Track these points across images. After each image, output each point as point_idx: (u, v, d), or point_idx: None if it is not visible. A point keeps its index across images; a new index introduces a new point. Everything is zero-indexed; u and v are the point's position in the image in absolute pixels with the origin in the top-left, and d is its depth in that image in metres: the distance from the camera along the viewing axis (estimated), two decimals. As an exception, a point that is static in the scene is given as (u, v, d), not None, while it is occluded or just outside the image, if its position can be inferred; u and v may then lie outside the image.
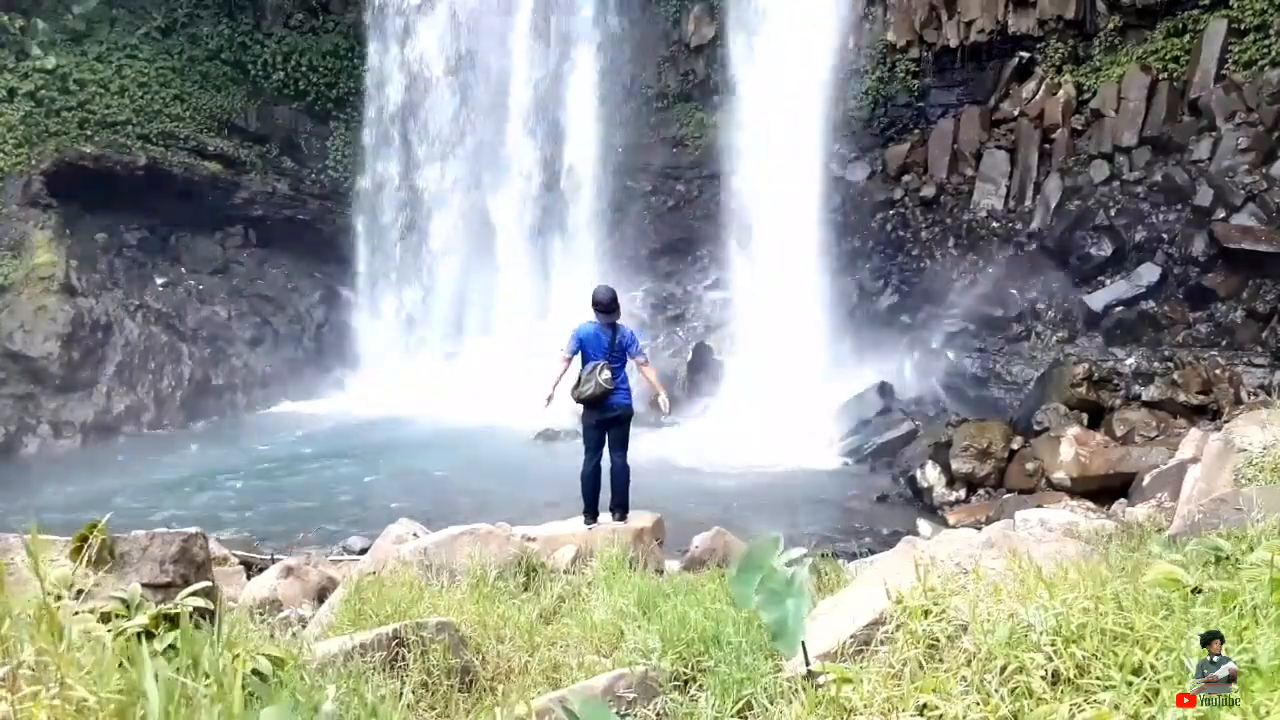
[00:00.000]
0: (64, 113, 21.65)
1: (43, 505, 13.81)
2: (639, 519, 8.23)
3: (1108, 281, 17.73)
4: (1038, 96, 20.57)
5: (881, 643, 3.14)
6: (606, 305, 8.15)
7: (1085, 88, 19.89)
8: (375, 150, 26.12)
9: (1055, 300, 18.50)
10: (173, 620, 3.29)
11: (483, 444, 18.39)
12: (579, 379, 8.04)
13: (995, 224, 20.14)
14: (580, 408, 8.23)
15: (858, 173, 22.56)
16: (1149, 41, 19.38)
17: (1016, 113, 20.75)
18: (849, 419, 17.99)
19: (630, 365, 8.32)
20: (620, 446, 8.29)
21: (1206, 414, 14.28)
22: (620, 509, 8.30)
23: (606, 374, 7.97)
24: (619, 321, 8.22)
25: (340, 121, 26.34)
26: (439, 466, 16.83)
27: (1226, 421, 10.92)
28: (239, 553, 8.44)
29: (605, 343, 8.08)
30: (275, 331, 24.43)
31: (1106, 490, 12.36)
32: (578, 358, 8.16)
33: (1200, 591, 3.01)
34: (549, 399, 8.23)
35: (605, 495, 8.33)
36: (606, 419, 8.18)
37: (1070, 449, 13.43)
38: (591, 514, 8.24)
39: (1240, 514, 4.41)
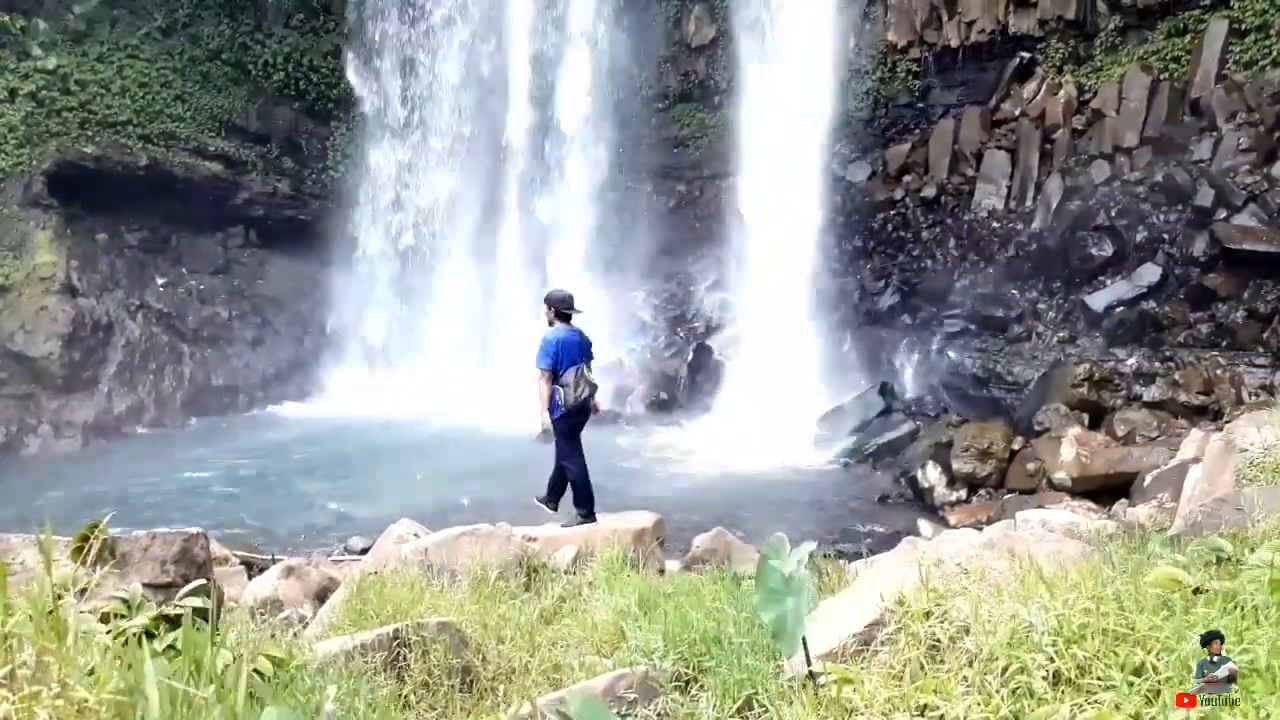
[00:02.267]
0: (65, 113, 21.65)
1: (43, 505, 13.81)
2: (639, 519, 8.22)
3: (1108, 282, 17.72)
4: (1038, 97, 20.56)
5: (883, 643, 3.14)
6: (572, 308, 8.21)
7: (1086, 88, 19.88)
8: (375, 151, 26.11)
9: (1056, 300, 18.49)
10: (173, 621, 3.29)
11: (483, 445, 18.38)
12: (568, 385, 7.98)
13: (996, 224, 20.13)
14: (550, 418, 8.16)
15: (858, 173, 22.56)
16: (1150, 42, 19.38)
17: (1017, 113, 20.74)
18: (850, 419, 18.00)
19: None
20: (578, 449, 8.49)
21: (1207, 414, 14.28)
22: (557, 508, 8.48)
23: (592, 376, 8.13)
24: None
25: (341, 122, 26.34)
26: (440, 467, 16.83)
27: (1228, 422, 10.91)
28: (240, 553, 8.44)
29: (579, 347, 8.13)
30: (276, 332, 24.43)
31: (1107, 490, 12.36)
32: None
33: (1201, 592, 3.01)
34: (544, 427, 8.19)
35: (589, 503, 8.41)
36: (582, 422, 8.29)
37: (1071, 449, 13.43)
38: (591, 514, 8.23)
39: (1241, 514, 4.40)
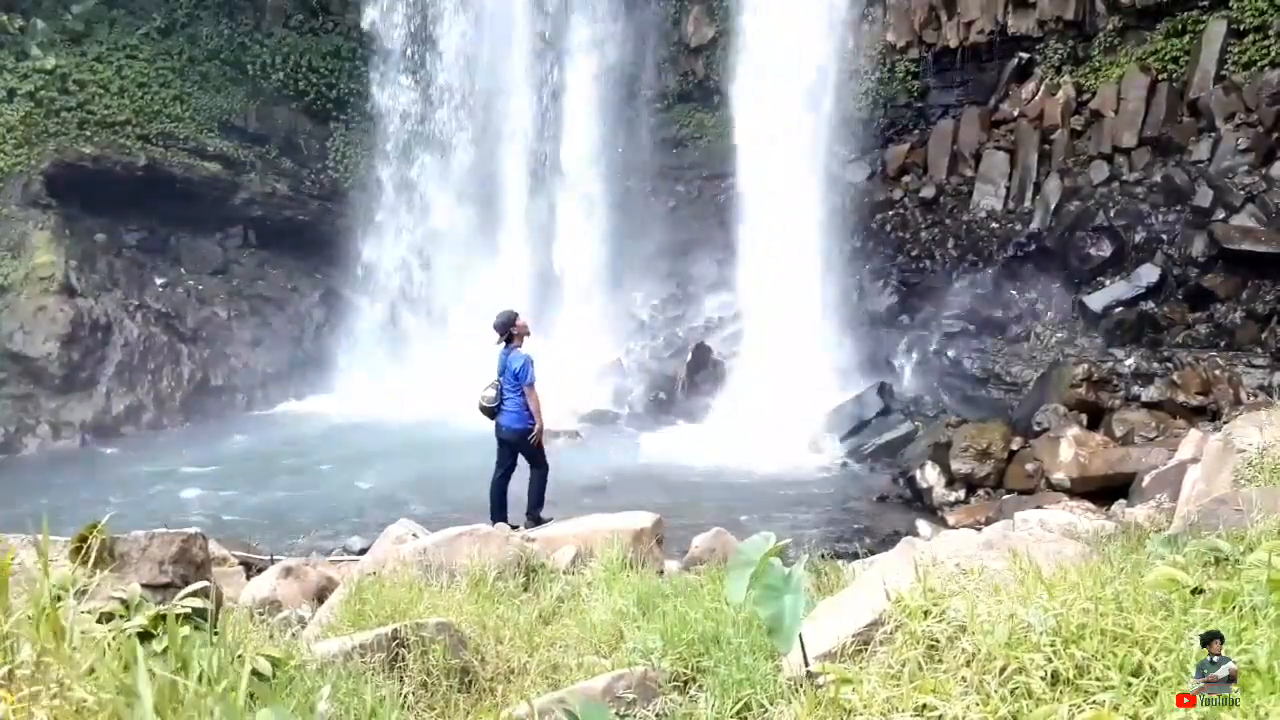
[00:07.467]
0: (64, 113, 21.63)
1: (42, 506, 13.77)
2: (638, 519, 8.19)
3: (1107, 282, 17.73)
4: (1037, 97, 20.58)
5: (881, 643, 3.14)
6: (497, 330, 9.08)
7: (1085, 88, 19.90)
8: (374, 151, 26.08)
9: (1055, 301, 18.50)
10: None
11: (482, 445, 18.32)
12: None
13: (995, 224, 20.15)
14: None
15: (858, 173, 22.57)
16: (1148, 42, 19.40)
17: (1016, 113, 20.76)
18: (849, 419, 18.00)
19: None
20: (530, 462, 9.20)
21: (1206, 415, 14.27)
22: (530, 516, 8.88)
23: (489, 392, 9.05)
24: (516, 346, 9.07)
25: (340, 122, 26.33)
26: (439, 467, 16.80)
27: (1226, 422, 10.91)
28: (238, 553, 8.43)
29: (501, 365, 9.07)
30: (275, 332, 24.41)
31: (1106, 491, 12.34)
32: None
33: (1200, 592, 3.01)
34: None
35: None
36: (500, 437, 9.19)
37: (1070, 449, 13.43)
38: (498, 519, 8.75)
39: (1240, 514, 4.40)
